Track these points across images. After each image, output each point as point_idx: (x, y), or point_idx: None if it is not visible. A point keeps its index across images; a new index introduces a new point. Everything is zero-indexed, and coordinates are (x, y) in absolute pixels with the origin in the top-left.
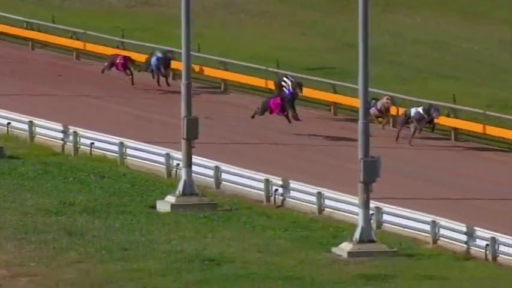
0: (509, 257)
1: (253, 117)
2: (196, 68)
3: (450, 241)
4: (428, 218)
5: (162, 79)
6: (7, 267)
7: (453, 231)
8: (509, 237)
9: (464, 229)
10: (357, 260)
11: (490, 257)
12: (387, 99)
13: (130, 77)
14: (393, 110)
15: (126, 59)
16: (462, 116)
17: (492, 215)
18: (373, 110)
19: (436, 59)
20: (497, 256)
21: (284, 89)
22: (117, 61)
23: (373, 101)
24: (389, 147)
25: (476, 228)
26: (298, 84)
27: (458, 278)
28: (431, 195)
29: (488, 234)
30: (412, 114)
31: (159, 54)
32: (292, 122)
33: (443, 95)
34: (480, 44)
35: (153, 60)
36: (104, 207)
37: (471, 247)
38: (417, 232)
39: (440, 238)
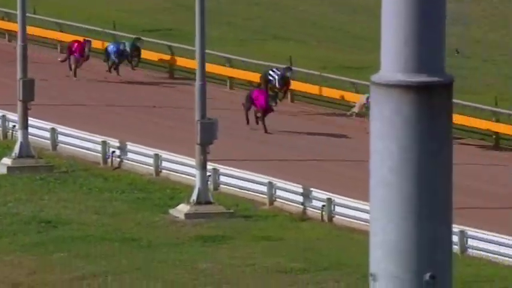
0: (345, 218)
1: (248, 120)
2: (32, 30)
3: (287, 202)
4: (265, 179)
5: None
6: None
7: (290, 192)
8: (345, 198)
9: (301, 190)
10: (194, 222)
11: (326, 217)
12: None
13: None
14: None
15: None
16: (298, 78)
17: (329, 176)
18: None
19: (272, 20)
20: (333, 217)
21: (272, 82)
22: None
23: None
24: (229, 109)
25: (313, 190)
26: (287, 71)
27: (294, 239)
28: (269, 156)
29: (324, 195)
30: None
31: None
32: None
33: (280, 57)
34: (316, 6)
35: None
36: None
37: (307, 208)
38: (254, 193)
39: (277, 199)
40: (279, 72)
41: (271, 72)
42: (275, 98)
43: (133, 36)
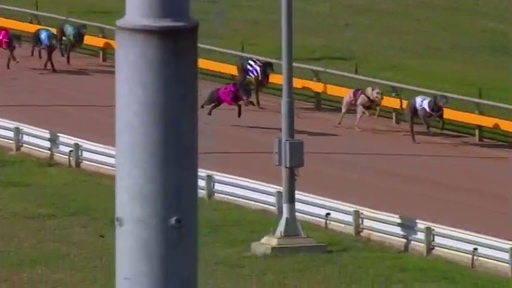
0: (92, 163)
1: (202, 107)
2: None
3: (34, 148)
4: (12, 124)
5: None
6: None
7: (37, 137)
8: (92, 143)
9: (48, 135)
10: None
11: (73, 163)
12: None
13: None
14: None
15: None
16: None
17: (72, 121)
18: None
19: None
20: (81, 162)
21: (250, 73)
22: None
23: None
24: None
25: (60, 135)
26: (267, 66)
27: (41, 184)
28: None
29: (71, 140)
30: (419, 108)
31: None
32: None
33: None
34: None
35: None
36: None
37: (55, 154)
38: (1, 139)
39: (24, 145)
40: (259, 64)
41: (251, 62)
42: (248, 91)
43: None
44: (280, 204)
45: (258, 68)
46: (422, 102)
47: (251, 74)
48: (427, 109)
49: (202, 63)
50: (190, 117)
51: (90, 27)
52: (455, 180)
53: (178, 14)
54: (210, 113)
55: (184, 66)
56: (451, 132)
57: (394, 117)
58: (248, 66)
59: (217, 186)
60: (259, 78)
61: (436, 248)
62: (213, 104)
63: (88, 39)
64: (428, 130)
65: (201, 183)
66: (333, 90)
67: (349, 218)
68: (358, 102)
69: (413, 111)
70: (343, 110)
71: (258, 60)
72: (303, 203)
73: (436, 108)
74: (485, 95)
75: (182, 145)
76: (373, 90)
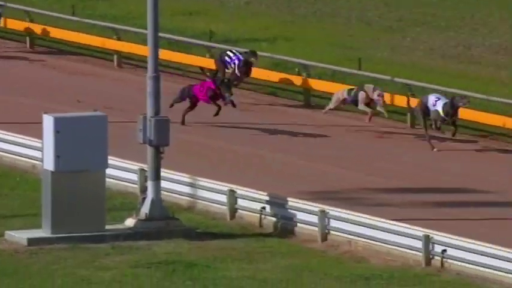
0: None
1: (171, 106)
2: None
3: None
4: None
5: None
6: None
7: None
8: None
9: None
10: None
11: None
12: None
13: None
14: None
15: None
16: None
17: None
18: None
19: None
20: None
21: (228, 65)
22: None
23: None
24: None
25: None
26: (250, 54)
27: None
28: None
29: None
30: (432, 107)
31: None
32: None
33: None
34: None
35: None
36: None
37: None
38: None
39: None
40: (239, 56)
41: (230, 53)
42: (229, 87)
43: None
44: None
45: (236, 61)
46: (436, 103)
47: (229, 67)
48: (441, 113)
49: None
50: None
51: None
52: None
53: None
54: (171, 106)
55: None
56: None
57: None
58: (226, 58)
59: None
60: (236, 71)
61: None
62: (188, 106)
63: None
64: (440, 131)
65: None
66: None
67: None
68: (359, 99)
69: (425, 110)
70: (331, 107)
71: (237, 50)
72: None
73: (452, 111)
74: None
75: None
76: (374, 90)
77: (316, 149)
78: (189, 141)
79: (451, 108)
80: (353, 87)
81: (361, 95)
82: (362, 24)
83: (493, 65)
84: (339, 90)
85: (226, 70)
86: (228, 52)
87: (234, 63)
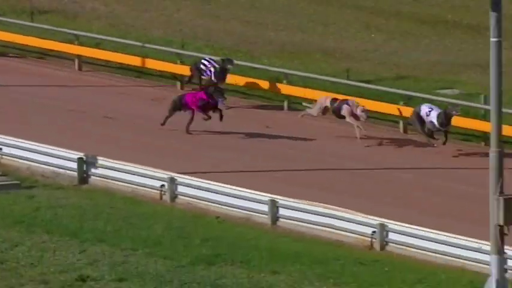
0: None
1: (163, 124)
2: None
3: None
4: None
5: None
6: None
7: None
8: None
9: None
10: None
11: None
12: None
13: None
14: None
15: None
16: None
17: None
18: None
19: None
20: None
21: (204, 73)
22: None
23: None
24: None
25: None
26: (228, 63)
27: None
28: None
29: None
30: (426, 117)
31: None
32: None
33: None
34: None
35: None
36: None
37: None
38: None
39: None
40: (214, 64)
41: (204, 61)
42: (222, 93)
43: None
44: None
45: (212, 69)
46: (430, 114)
47: (205, 74)
48: (436, 124)
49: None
50: None
51: None
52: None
53: None
54: (163, 124)
55: None
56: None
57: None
58: (202, 66)
59: None
60: (213, 78)
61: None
62: (190, 118)
63: None
64: (432, 143)
65: None
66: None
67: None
68: (344, 112)
69: (419, 119)
70: (315, 114)
71: (212, 59)
72: None
73: (446, 121)
74: None
75: None
76: (357, 106)
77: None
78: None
79: (445, 119)
80: (336, 97)
81: (346, 109)
82: None
83: None
84: (322, 97)
85: (202, 77)
86: (203, 60)
87: (210, 71)
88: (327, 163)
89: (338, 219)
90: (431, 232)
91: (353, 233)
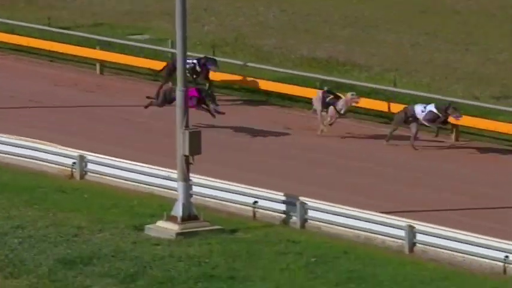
0: None
1: (146, 107)
2: None
3: None
4: None
5: None
6: None
7: None
8: None
9: None
10: None
11: None
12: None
13: None
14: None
15: None
16: None
17: None
18: (332, 111)
19: None
20: None
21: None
22: None
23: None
24: None
25: None
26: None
27: None
28: None
29: None
30: (421, 114)
31: None
32: None
33: None
34: None
35: None
36: None
37: None
38: None
39: None
40: (195, 61)
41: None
42: (214, 98)
43: None
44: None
45: (192, 65)
46: (426, 108)
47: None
48: (435, 111)
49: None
50: None
51: None
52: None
53: None
54: (146, 107)
55: None
56: None
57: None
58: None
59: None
60: (191, 74)
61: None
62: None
63: None
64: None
65: None
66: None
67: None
68: (340, 107)
69: (407, 119)
70: (319, 113)
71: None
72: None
73: (443, 116)
74: None
75: None
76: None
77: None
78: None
79: (445, 112)
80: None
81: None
82: None
83: None
84: (319, 92)
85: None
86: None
87: (190, 67)
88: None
89: (41, 151)
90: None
91: (55, 164)
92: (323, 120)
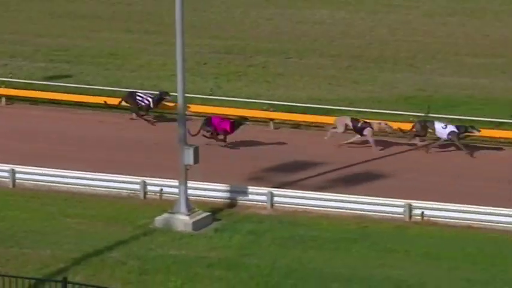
0: None
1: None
2: None
3: None
4: None
5: None
6: None
7: None
8: None
9: None
10: None
11: None
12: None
13: None
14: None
15: None
16: None
17: None
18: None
19: None
20: None
21: (141, 102)
22: None
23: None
24: None
25: None
26: (163, 94)
27: None
28: None
29: None
30: (446, 135)
31: None
32: None
33: None
34: None
35: None
36: None
37: None
38: None
39: None
40: (149, 96)
41: (139, 93)
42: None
43: None
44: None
45: (149, 99)
46: (447, 126)
47: (142, 103)
48: (456, 131)
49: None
50: None
51: None
52: None
53: None
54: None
55: None
56: None
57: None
58: (138, 97)
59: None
60: (151, 105)
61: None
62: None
63: None
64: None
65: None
66: None
67: None
68: (367, 133)
69: (423, 132)
70: (341, 131)
71: (147, 93)
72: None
73: (462, 133)
74: None
75: None
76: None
77: None
78: None
79: (465, 131)
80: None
81: (369, 131)
82: None
83: None
84: (341, 117)
85: (140, 105)
86: (138, 92)
87: (148, 100)
88: None
89: None
90: None
91: None
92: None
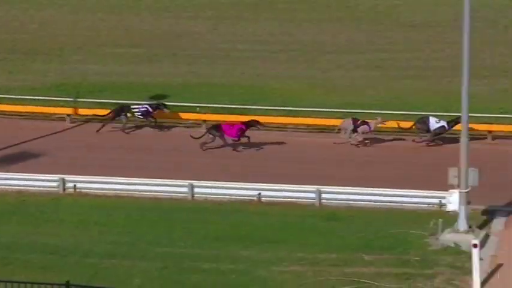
0: None
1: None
2: None
3: None
4: None
5: None
6: None
7: None
8: None
9: None
10: None
11: None
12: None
13: None
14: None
15: None
16: None
17: None
18: (365, 128)
19: None
20: None
21: (137, 114)
22: None
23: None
24: None
25: None
26: (163, 107)
27: None
28: None
29: None
30: (434, 127)
31: None
32: None
33: None
34: None
35: None
36: None
37: None
38: None
39: None
40: (144, 105)
41: (134, 106)
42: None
43: None
44: None
45: (146, 108)
46: (440, 121)
47: (139, 116)
48: (446, 126)
49: None
50: None
51: None
52: None
53: None
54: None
55: None
56: None
57: None
58: (133, 108)
59: None
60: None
61: None
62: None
63: None
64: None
65: None
66: None
67: None
68: (361, 130)
69: (428, 129)
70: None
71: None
72: None
73: (451, 126)
74: None
75: None
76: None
77: None
78: None
79: (455, 124)
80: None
81: (363, 129)
82: None
83: None
84: (345, 120)
85: (139, 116)
86: (132, 106)
87: (145, 110)
88: None
89: None
90: None
91: None
92: (350, 137)
